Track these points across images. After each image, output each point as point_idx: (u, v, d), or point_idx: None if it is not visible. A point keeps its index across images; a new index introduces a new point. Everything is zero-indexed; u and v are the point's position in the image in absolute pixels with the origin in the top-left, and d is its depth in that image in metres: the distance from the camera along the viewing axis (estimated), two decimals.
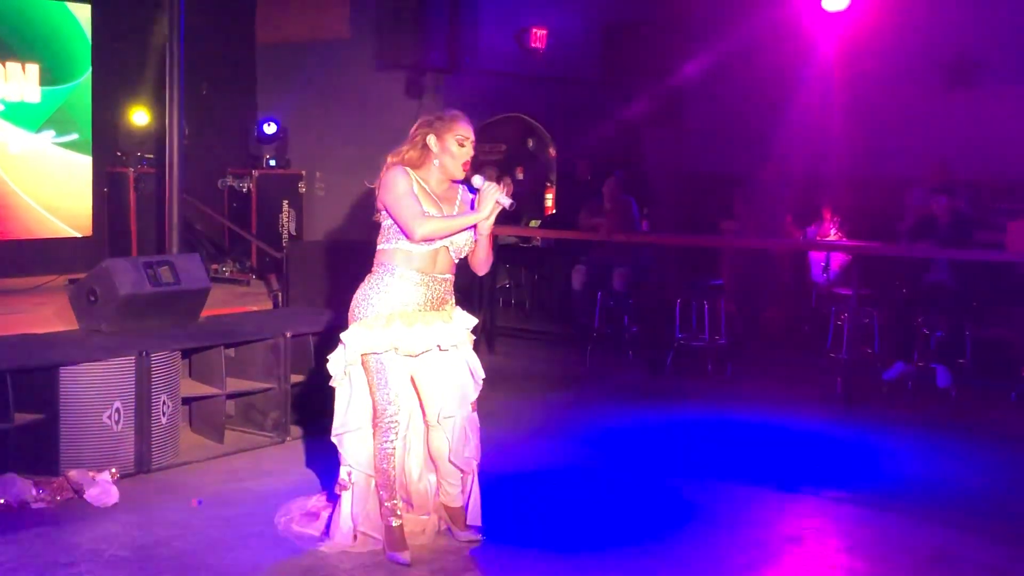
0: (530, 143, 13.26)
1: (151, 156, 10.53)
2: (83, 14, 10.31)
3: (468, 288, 8.13)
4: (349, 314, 4.48)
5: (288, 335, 6.28)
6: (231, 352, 6.26)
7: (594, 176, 11.43)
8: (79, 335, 6.10)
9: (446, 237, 4.40)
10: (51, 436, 5.28)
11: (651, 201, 11.60)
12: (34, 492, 4.99)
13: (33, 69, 9.95)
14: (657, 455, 6.19)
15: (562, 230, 10.66)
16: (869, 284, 8.42)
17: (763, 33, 11.14)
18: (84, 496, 5.02)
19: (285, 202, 11.30)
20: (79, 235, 10.38)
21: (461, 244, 4.47)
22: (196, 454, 5.90)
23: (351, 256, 7.93)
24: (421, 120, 4.50)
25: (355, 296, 4.47)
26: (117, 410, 5.42)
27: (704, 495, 5.44)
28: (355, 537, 4.49)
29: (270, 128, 11.38)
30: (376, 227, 4.54)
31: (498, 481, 5.32)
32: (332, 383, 4.54)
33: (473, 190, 4.50)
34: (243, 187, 11.20)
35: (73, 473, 5.12)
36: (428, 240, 4.36)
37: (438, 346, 4.46)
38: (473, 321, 4.66)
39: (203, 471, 5.68)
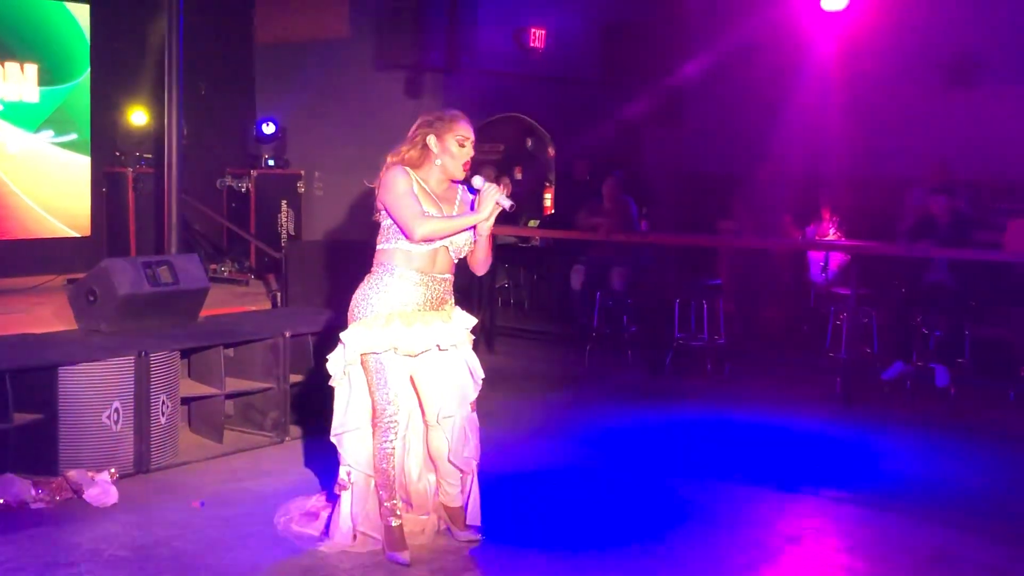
0: (529, 143, 13.26)
1: (150, 156, 10.54)
2: (82, 14, 10.31)
3: (467, 288, 8.13)
4: (348, 314, 4.47)
5: (287, 335, 6.28)
6: (230, 352, 6.26)
7: (593, 176, 11.43)
8: (78, 335, 6.09)
9: (446, 237, 4.40)
10: (50, 436, 5.28)
11: (650, 201, 11.60)
12: (33, 492, 4.99)
13: (32, 69, 9.95)
14: (656, 455, 6.19)
15: (561, 230, 10.66)
16: (868, 284, 8.42)
17: (762, 33, 11.15)
18: (83, 496, 5.02)
19: (284, 202, 11.30)
20: (77, 235, 10.38)
21: (460, 244, 4.47)
22: (195, 454, 5.90)
23: (350, 256, 7.93)
24: (421, 120, 4.50)
25: (354, 296, 4.47)
26: (116, 410, 5.42)
27: (703, 495, 5.44)
28: (354, 537, 4.49)
29: (269, 128, 11.39)
30: (375, 227, 4.54)
31: (497, 481, 5.32)
32: (331, 383, 4.54)
33: (473, 191, 4.50)
34: (242, 187, 11.21)
35: (72, 473, 5.12)
36: (428, 240, 4.36)
37: (437, 346, 4.46)
38: (472, 321, 4.66)
39: (202, 471, 5.68)
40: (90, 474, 5.13)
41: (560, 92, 12.37)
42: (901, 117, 11.09)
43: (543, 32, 11.80)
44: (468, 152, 4.46)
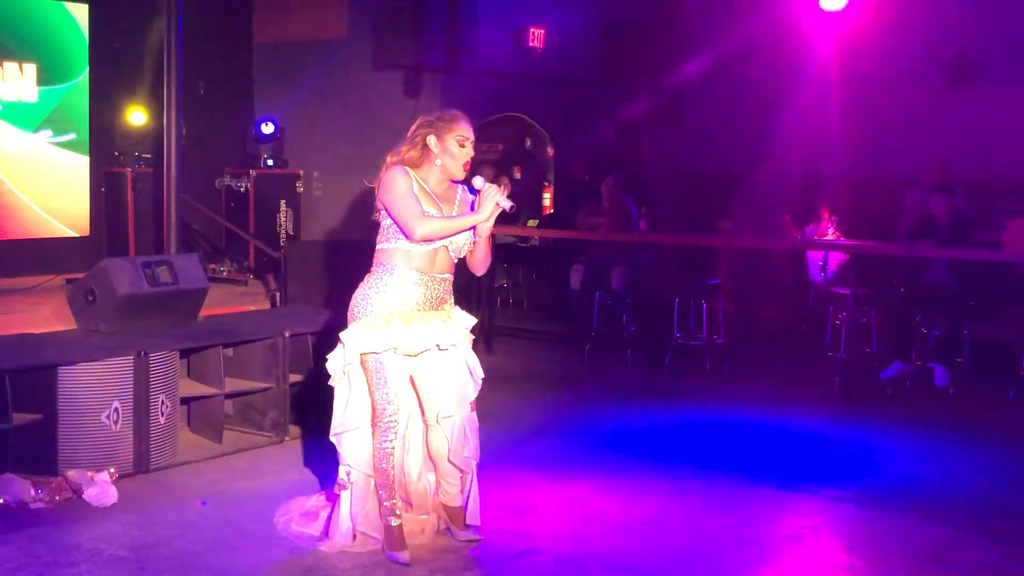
0: (528, 143, 13.26)
1: (148, 156, 10.54)
2: (80, 14, 10.31)
3: (466, 288, 8.13)
4: (348, 313, 4.47)
5: (286, 335, 6.27)
6: (229, 352, 6.26)
7: (592, 176, 11.44)
8: (77, 335, 6.09)
9: (446, 237, 4.40)
10: (50, 436, 5.28)
11: (649, 201, 11.60)
12: (33, 492, 4.99)
13: (30, 69, 9.94)
14: (655, 454, 6.19)
15: (560, 230, 10.66)
16: (867, 283, 8.43)
17: (761, 33, 11.15)
18: (83, 496, 5.01)
19: (283, 202, 11.30)
20: (76, 235, 10.38)
21: (460, 244, 4.47)
22: (195, 454, 5.90)
23: (349, 256, 7.93)
24: (421, 120, 4.50)
25: (354, 296, 4.47)
26: (116, 410, 5.41)
27: (703, 494, 5.44)
28: (354, 537, 4.49)
29: (268, 128, 11.39)
30: (374, 227, 4.54)
31: (497, 481, 5.32)
32: (331, 382, 4.54)
33: (473, 191, 4.50)
34: (241, 187, 11.21)
35: (72, 473, 5.11)
36: (427, 240, 4.36)
37: (437, 346, 4.46)
38: (472, 321, 4.66)
39: (202, 471, 5.68)
40: (90, 474, 5.13)
41: (559, 92, 12.37)
42: (900, 117, 11.09)
43: (542, 32, 11.80)
44: (468, 152, 4.46)
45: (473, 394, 4.60)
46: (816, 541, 4.90)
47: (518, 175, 13.11)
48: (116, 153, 10.68)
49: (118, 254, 9.57)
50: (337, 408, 4.51)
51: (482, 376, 4.64)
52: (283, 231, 11.26)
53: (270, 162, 11.40)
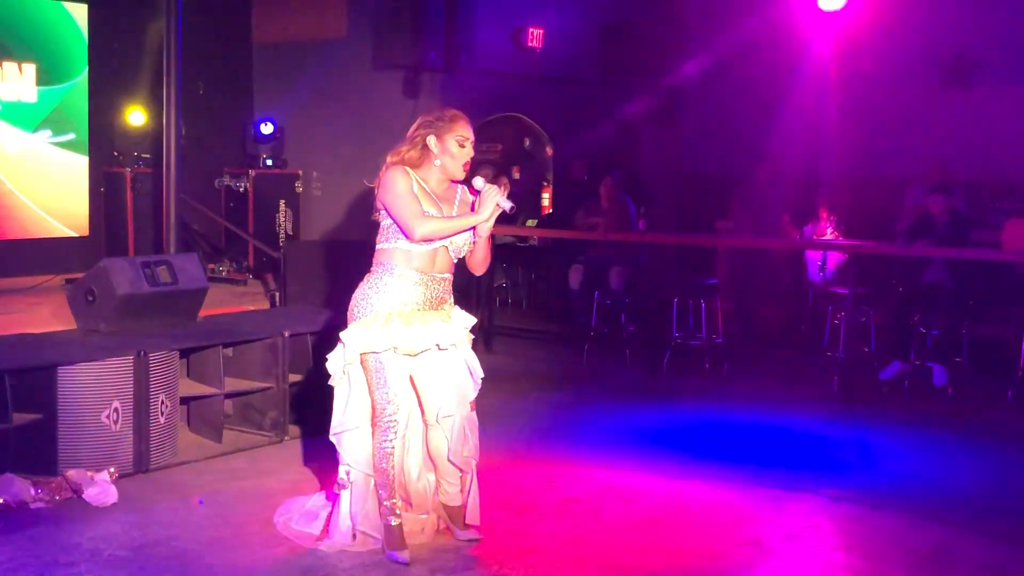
0: (527, 143, 13.26)
1: (148, 156, 10.54)
2: (80, 14, 10.31)
3: (465, 287, 8.13)
4: (348, 313, 4.48)
5: (286, 335, 6.28)
6: (229, 352, 6.26)
7: (591, 176, 11.45)
8: (77, 335, 6.10)
9: (446, 238, 4.41)
10: (49, 436, 5.28)
11: (648, 200, 11.61)
12: (33, 492, 4.99)
13: (30, 69, 9.95)
14: (655, 454, 6.20)
15: (559, 229, 10.67)
16: (866, 283, 8.44)
17: (760, 33, 11.16)
18: (83, 496, 5.02)
19: (282, 202, 11.30)
20: (76, 235, 10.39)
21: (460, 244, 4.47)
22: (194, 454, 5.90)
23: (348, 256, 7.94)
24: (421, 120, 4.50)
25: (354, 295, 4.48)
26: (115, 410, 5.42)
27: (702, 494, 5.45)
28: (354, 536, 4.49)
29: (267, 128, 11.39)
30: (374, 227, 4.55)
31: (497, 480, 5.33)
32: (331, 382, 4.54)
33: (474, 191, 4.51)
34: (240, 187, 11.21)
35: (72, 473, 5.12)
36: (427, 240, 4.37)
37: (437, 345, 4.47)
38: (472, 320, 4.67)
39: (201, 470, 5.69)
40: (89, 474, 5.14)
41: (558, 92, 12.38)
42: (899, 117, 11.11)
43: (541, 32, 11.81)
44: (468, 152, 4.47)
45: (473, 394, 4.61)
46: (815, 540, 4.91)
47: (517, 175, 13.11)
48: (115, 153, 10.68)
49: (117, 254, 9.58)
50: (337, 408, 4.52)
51: (482, 376, 4.64)
52: (282, 231, 11.27)
53: (269, 162, 11.41)
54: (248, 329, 6.48)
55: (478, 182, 4.46)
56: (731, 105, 11.96)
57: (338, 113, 11.45)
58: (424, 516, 4.68)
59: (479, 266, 4.59)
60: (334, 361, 4.50)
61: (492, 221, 4.40)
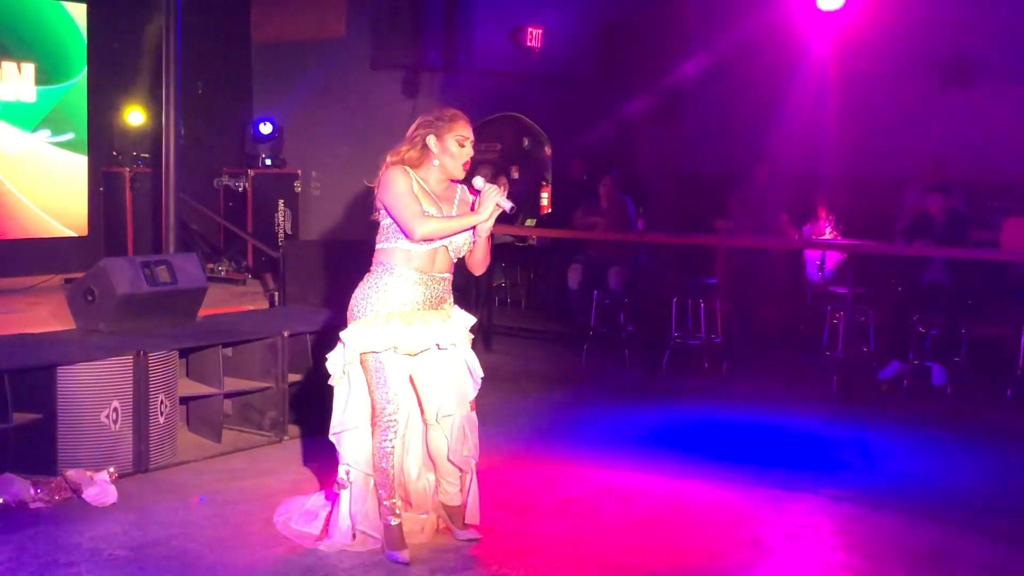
0: (526, 142, 13.26)
1: (147, 155, 10.54)
2: (79, 13, 10.30)
3: (464, 287, 8.13)
4: (348, 313, 4.48)
5: (285, 334, 6.28)
6: (228, 351, 6.26)
7: (590, 175, 11.45)
8: (76, 335, 6.09)
9: (445, 237, 4.41)
10: (49, 436, 5.28)
11: (647, 200, 11.61)
12: (32, 492, 4.99)
13: (29, 68, 9.94)
14: (654, 454, 6.20)
15: (558, 229, 10.67)
16: (864, 283, 8.44)
17: (758, 32, 11.16)
18: (82, 496, 5.02)
19: (281, 201, 11.30)
20: (75, 235, 10.38)
21: (460, 244, 4.48)
22: (194, 453, 5.91)
23: (347, 255, 7.93)
24: (420, 120, 4.50)
25: (354, 295, 4.48)
26: (115, 409, 5.42)
27: (701, 493, 5.45)
28: (354, 536, 4.49)
29: (266, 128, 11.39)
30: (373, 227, 4.55)
31: (496, 480, 5.33)
32: (331, 382, 4.54)
33: (474, 191, 4.51)
34: (239, 186, 11.20)
35: (71, 473, 5.12)
36: (427, 240, 4.37)
37: (437, 345, 4.47)
38: (472, 320, 4.67)
39: (201, 470, 5.69)
40: (89, 473, 5.14)
41: (557, 92, 12.38)
42: (898, 116, 11.12)
43: (540, 32, 11.81)
44: (468, 152, 4.47)
45: (472, 393, 4.61)
46: (815, 540, 4.91)
47: (516, 175, 13.11)
48: (114, 153, 10.68)
49: (116, 254, 9.58)
50: (337, 407, 4.52)
51: (481, 375, 4.65)
52: (281, 231, 11.26)
53: (268, 162, 11.40)
54: (247, 329, 6.48)
55: (478, 182, 4.47)
56: (730, 105, 11.96)
57: (337, 113, 11.45)
58: (424, 516, 4.68)
59: (479, 266, 4.59)
60: (334, 361, 4.50)
61: (492, 221, 4.41)
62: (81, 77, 10.34)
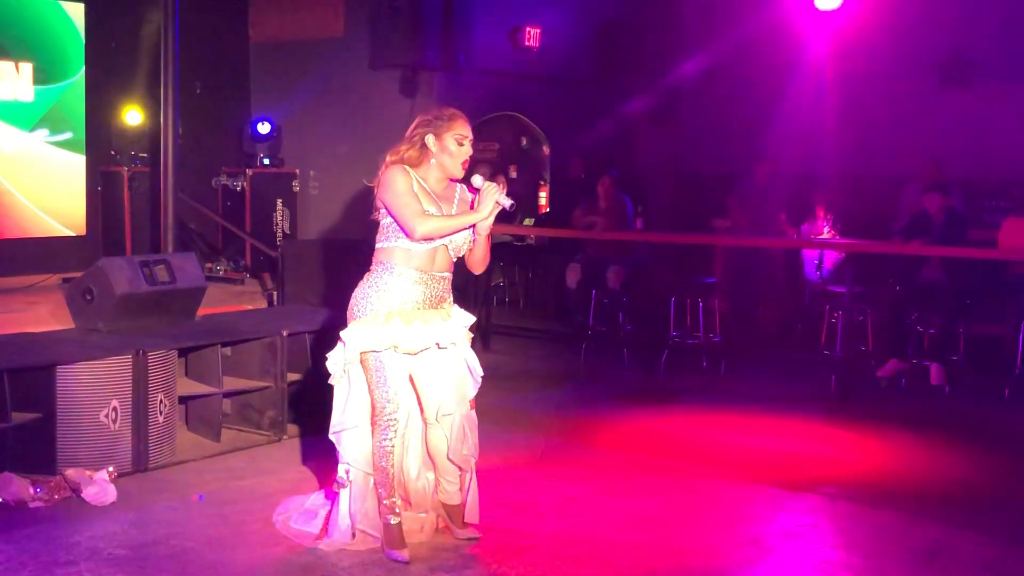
0: (524, 142, 13.26)
1: (145, 155, 10.53)
2: (77, 12, 10.30)
3: (463, 286, 8.12)
4: (348, 312, 4.48)
5: (284, 334, 6.28)
6: (228, 351, 6.26)
7: (588, 174, 11.45)
8: (75, 334, 6.09)
9: (446, 236, 4.41)
10: (48, 435, 5.28)
11: (645, 199, 11.62)
12: (32, 491, 4.99)
13: (27, 68, 9.93)
14: (652, 452, 6.20)
15: (556, 228, 10.67)
16: (862, 282, 8.46)
17: (757, 32, 11.17)
18: (82, 495, 5.02)
19: (279, 201, 11.29)
20: (73, 234, 10.38)
21: (460, 243, 4.48)
22: (193, 453, 5.91)
23: (345, 254, 7.95)
24: (419, 119, 4.50)
25: (354, 294, 4.48)
26: (114, 409, 5.42)
27: (700, 492, 5.46)
28: (353, 535, 4.50)
29: (264, 127, 11.38)
30: (371, 226, 4.55)
31: (496, 479, 5.34)
32: (331, 381, 4.54)
33: (473, 190, 4.51)
34: (237, 186, 11.20)
35: (70, 472, 5.12)
36: (428, 238, 4.37)
37: (436, 344, 4.47)
38: (471, 319, 4.67)
39: (200, 469, 5.69)
40: (88, 473, 5.14)
41: (555, 91, 12.39)
42: (896, 116, 11.13)
43: (538, 31, 11.81)
44: (467, 151, 4.47)
45: (472, 392, 4.62)
46: (814, 539, 4.92)
47: (514, 174, 13.11)
48: (112, 152, 10.67)
49: (114, 253, 9.57)
50: (336, 406, 4.52)
51: (481, 374, 4.65)
52: (279, 230, 11.25)
53: (266, 161, 11.40)
54: (246, 328, 6.48)
55: (477, 180, 4.47)
56: (728, 104, 11.97)
57: (335, 112, 11.44)
58: (423, 515, 4.68)
59: (478, 265, 4.59)
60: (334, 360, 4.50)
61: (492, 219, 4.41)
62: (79, 76, 10.34)
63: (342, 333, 4.46)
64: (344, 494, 4.49)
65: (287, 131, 11.57)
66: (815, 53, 11.28)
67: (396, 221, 4.39)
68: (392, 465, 4.46)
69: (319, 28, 11.52)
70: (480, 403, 4.74)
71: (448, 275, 4.54)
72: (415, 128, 4.48)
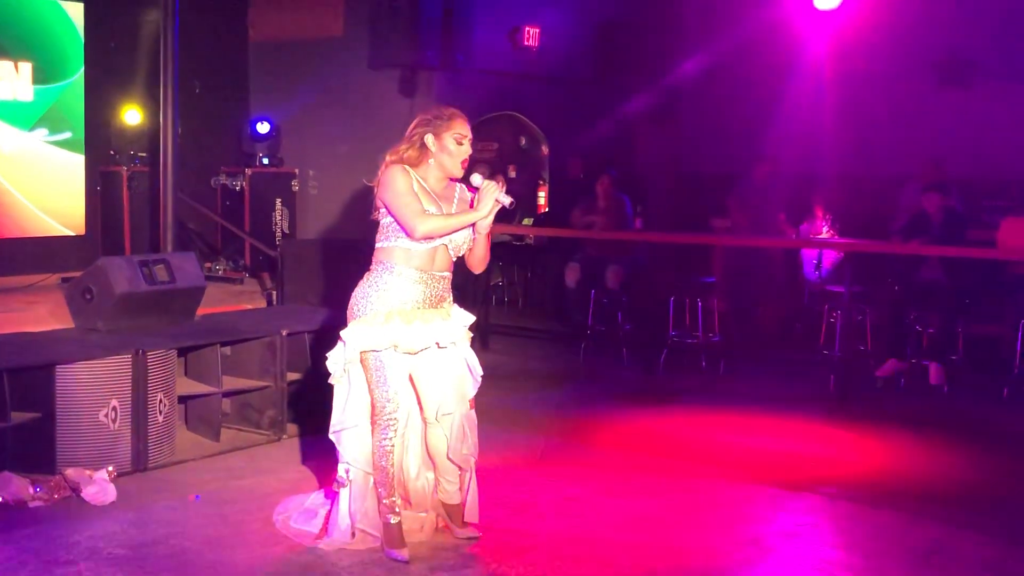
0: (523, 141, 13.26)
1: (144, 154, 10.53)
2: (76, 12, 10.30)
3: (462, 286, 8.11)
4: (348, 312, 4.49)
5: (284, 333, 6.28)
6: (227, 350, 6.26)
7: (587, 174, 11.45)
8: (75, 333, 6.09)
9: (446, 235, 4.41)
10: (48, 435, 5.28)
11: (645, 199, 11.62)
12: (31, 491, 4.99)
13: (26, 67, 9.93)
14: (652, 452, 6.20)
15: (556, 228, 10.67)
16: (861, 281, 8.46)
17: (756, 32, 11.17)
18: (81, 494, 5.02)
19: (278, 200, 11.29)
20: (72, 233, 10.38)
21: (460, 242, 4.48)
22: (192, 452, 5.91)
23: (345, 254, 7.96)
24: (419, 119, 4.51)
25: (354, 294, 4.48)
26: (114, 408, 5.42)
27: (700, 492, 5.46)
28: (353, 534, 4.50)
29: (263, 127, 11.38)
30: (370, 225, 4.55)
31: (495, 478, 5.34)
32: (331, 380, 4.55)
33: (472, 189, 4.52)
34: (236, 185, 11.20)
35: (70, 471, 5.12)
36: (428, 238, 4.37)
37: (436, 343, 4.47)
38: (471, 319, 4.68)
39: (200, 469, 5.69)
40: (88, 472, 5.14)
41: (554, 91, 12.38)
42: (894, 115, 11.13)
43: (537, 31, 11.81)
44: (466, 150, 4.47)
45: (472, 392, 4.62)
46: (814, 538, 4.92)
47: (513, 174, 13.10)
48: (112, 152, 10.67)
49: (114, 253, 9.56)
50: (336, 406, 4.52)
51: (481, 374, 4.65)
52: (278, 229, 11.25)
53: (266, 161, 11.39)
54: (246, 328, 6.48)
55: (476, 179, 4.47)
56: (727, 104, 11.97)
57: (335, 112, 11.44)
58: (423, 514, 4.68)
59: (478, 264, 4.60)
60: (334, 359, 4.50)
61: (492, 217, 4.42)
62: (78, 76, 10.34)
63: (342, 332, 4.46)
64: (344, 493, 4.50)
65: (286, 131, 11.57)
66: (814, 53, 11.29)
67: (397, 220, 4.39)
68: (392, 464, 4.46)
69: (318, 28, 11.52)
70: (479, 403, 4.74)
71: (448, 274, 4.54)
72: (414, 128, 4.48)
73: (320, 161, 11.57)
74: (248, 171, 11.18)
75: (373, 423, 4.45)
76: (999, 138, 10.67)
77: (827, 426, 6.94)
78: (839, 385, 7.85)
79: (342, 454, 4.50)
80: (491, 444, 5.34)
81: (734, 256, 9.78)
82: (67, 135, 10.29)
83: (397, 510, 4.48)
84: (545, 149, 12.93)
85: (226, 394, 6.21)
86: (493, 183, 4.42)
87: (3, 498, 4.91)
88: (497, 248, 10.22)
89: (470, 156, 4.51)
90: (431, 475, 4.66)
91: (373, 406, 4.44)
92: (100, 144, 10.62)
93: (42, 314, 7.62)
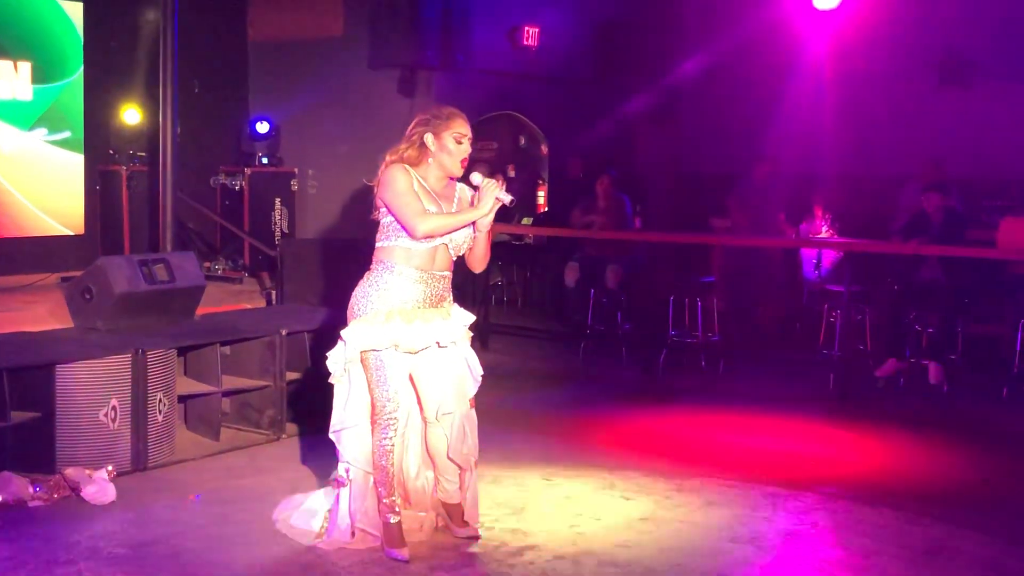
0: (522, 141, 13.27)
1: (143, 154, 10.53)
2: (75, 11, 10.30)
3: (462, 285, 8.11)
4: (348, 311, 4.48)
5: (283, 333, 6.28)
6: (227, 350, 6.26)
7: (587, 174, 11.46)
8: (75, 333, 6.09)
9: (447, 234, 4.42)
10: (47, 434, 5.28)
11: (644, 199, 11.62)
12: (31, 490, 4.99)
13: (25, 67, 9.93)
14: (651, 452, 6.20)
15: (555, 227, 10.67)
16: (861, 281, 8.46)
17: (755, 32, 11.18)
18: (81, 494, 5.02)
19: (277, 200, 11.29)
20: (71, 233, 10.38)
21: (460, 241, 4.48)
22: (192, 452, 5.91)
23: (344, 254, 7.96)
24: (418, 118, 4.51)
25: (354, 293, 4.48)
26: (113, 408, 5.42)
27: (699, 491, 5.46)
28: (353, 534, 4.50)
29: (262, 126, 11.38)
30: (370, 225, 4.55)
31: (495, 478, 5.34)
32: (331, 380, 4.55)
33: (472, 187, 4.52)
34: (235, 185, 11.19)
35: (70, 471, 5.12)
36: (429, 237, 4.37)
37: (437, 343, 4.47)
38: (471, 318, 4.68)
39: (199, 468, 5.69)
40: (88, 472, 5.14)
41: (554, 90, 12.39)
42: (894, 115, 11.14)
43: (536, 30, 11.81)
44: (466, 149, 4.47)
45: (472, 391, 4.62)
46: (813, 538, 4.92)
47: (513, 173, 13.12)
48: (111, 151, 10.67)
49: (113, 252, 9.57)
50: (337, 405, 4.52)
51: (481, 373, 4.65)
52: (278, 229, 11.25)
53: (265, 160, 11.39)
54: (245, 327, 6.48)
55: (476, 178, 4.48)
56: (727, 104, 11.98)
57: (334, 111, 11.44)
58: (423, 514, 4.68)
59: (479, 263, 4.60)
60: (335, 359, 4.50)
61: (492, 215, 4.42)
62: (77, 75, 10.34)
63: (342, 332, 4.46)
64: (344, 493, 4.50)
65: (286, 130, 11.57)
66: (814, 53, 11.29)
67: (397, 220, 4.39)
68: (392, 464, 4.46)
69: (318, 27, 11.51)
70: (479, 402, 4.74)
71: (448, 274, 4.54)
72: (414, 127, 4.48)
73: (320, 161, 11.57)
74: (247, 171, 11.18)
75: (373, 422, 4.45)
76: (999, 138, 10.68)
77: (827, 426, 6.94)
78: (839, 385, 7.85)
79: (342, 453, 4.50)
80: (491, 444, 5.34)
81: (734, 256, 9.79)
82: (66, 135, 10.30)
83: (397, 509, 4.48)
84: (545, 149, 12.94)
85: (226, 393, 6.21)
86: (493, 181, 4.42)
87: (3, 498, 4.91)
88: (497, 248, 10.21)
89: (470, 155, 4.51)
90: (431, 474, 4.67)
91: (373, 405, 4.44)
92: (99, 144, 10.63)
93: (41, 314, 7.62)
